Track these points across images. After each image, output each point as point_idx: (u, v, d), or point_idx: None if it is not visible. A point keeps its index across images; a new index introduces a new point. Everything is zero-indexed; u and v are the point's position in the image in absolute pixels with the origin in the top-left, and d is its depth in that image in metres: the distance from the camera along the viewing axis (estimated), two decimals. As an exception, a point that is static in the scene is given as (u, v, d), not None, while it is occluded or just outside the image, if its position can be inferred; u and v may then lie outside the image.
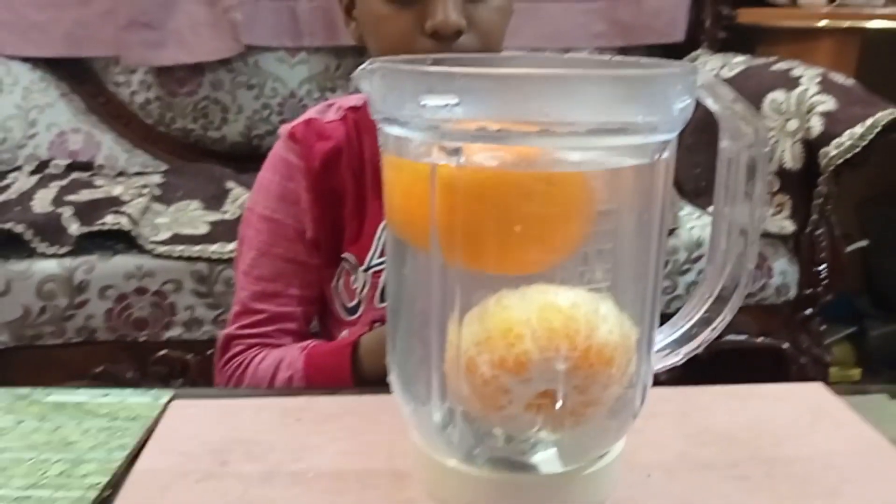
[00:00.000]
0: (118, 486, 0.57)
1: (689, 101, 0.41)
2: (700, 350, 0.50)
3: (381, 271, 0.85)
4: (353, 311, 0.88)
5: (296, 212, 0.86)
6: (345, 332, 0.90)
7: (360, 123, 0.87)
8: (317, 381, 0.82)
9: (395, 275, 0.48)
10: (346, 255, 0.88)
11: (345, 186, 0.86)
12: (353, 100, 0.89)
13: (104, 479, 0.57)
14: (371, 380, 0.79)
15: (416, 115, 0.39)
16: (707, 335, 0.49)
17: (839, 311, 1.89)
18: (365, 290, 0.87)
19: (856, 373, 1.96)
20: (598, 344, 0.41)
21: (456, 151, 0.39)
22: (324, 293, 0.92)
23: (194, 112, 2.00)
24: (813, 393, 0.71)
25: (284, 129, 0.88)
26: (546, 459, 0.47)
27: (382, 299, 0.86)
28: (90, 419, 0.65)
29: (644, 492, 0.56)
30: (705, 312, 0.50)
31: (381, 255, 0.85)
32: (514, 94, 0.38)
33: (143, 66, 1.96)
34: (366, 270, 0.86)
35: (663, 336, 0.49)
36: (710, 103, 0.45)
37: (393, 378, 0.49)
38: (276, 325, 0.86)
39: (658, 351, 0.49)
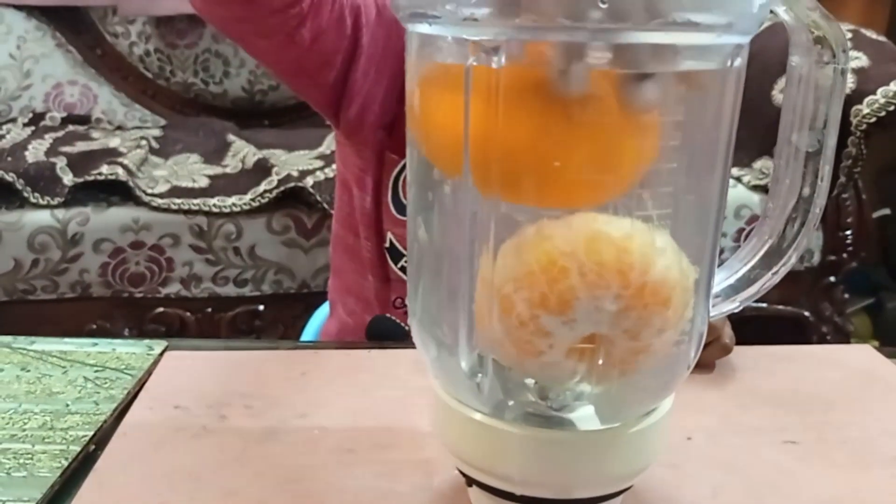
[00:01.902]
0: (104, 441, 0.52)
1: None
2: (759, 296, 0.44)
3: None
4: (385, 257, 0.82)
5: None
6: (390, 237, 0.82)
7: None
8: None
9: (418, 202, 0.42)
10: (391, 155, 0.80)
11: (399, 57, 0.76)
12: None
13: (89, 433, 0.52)
14: None
15: (450, 6, 0.33)
16: (768, 280, 0.44)
17: (856, 282, 1.84)
18: (398, 197, 0.80)
19: (873, 345, 1.91)
20: (654, 281, 0.36)
21: (495, 50, 0.33)
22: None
23: (195, 65, 1.93)
24: (862, 355, 0.66)
25: None
26: (585, 415, 0.41)
27: None
28: (76, 369, 0.60)
29: (685, 455, 0.51)
30: (765, 254, 0.44)
31: None
32: (570, -21, 0.31)
33: (141, 15, 1.89)
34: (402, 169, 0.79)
35: (718, 280, 0.43)
36: (782, 11, 0.39)
37: (414, 323, 0.43)
38: None
39: (712, 297, 0.43)
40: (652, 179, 0.36)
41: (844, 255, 1.43)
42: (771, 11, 0.38)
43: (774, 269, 0.44)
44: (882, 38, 1.39)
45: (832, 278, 1.45)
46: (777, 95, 1.38)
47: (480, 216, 0.37)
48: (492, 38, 0.33)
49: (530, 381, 0.41)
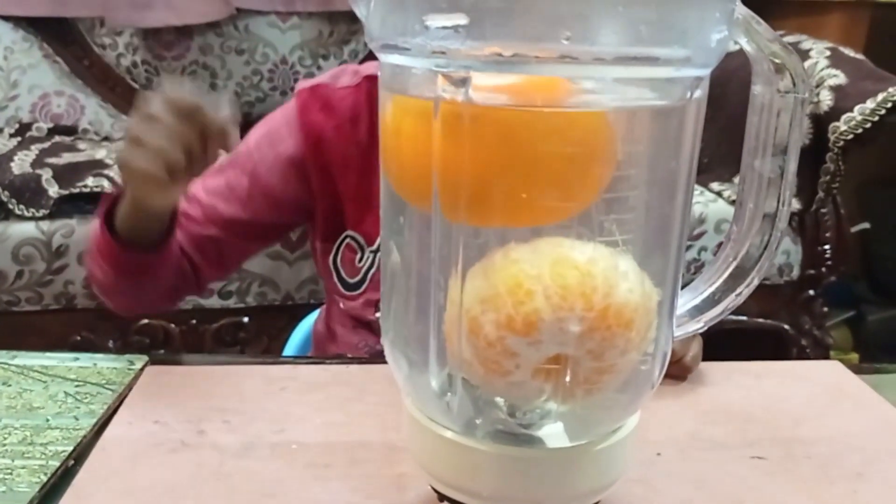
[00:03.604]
0: (84, 456, 0.52)
1: (727, 33, 0.37)
2: (723, 317, 0.45)
3: None
4: (353, 287, 0.84)
5: (269, 154, 0.81)
6: (341, 305, 0.86)
7: (376, 95, 0.81)
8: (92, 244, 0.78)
9: (389, 227, 0.43)
10: (351, 233, 0.83)
11: (346, 163, 0.80)
12: (374, 67, 0.83)
13: (69, 448, 0.53)
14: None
15: (419, 39, 0.34)
16: (731, 301, 0.45)
17: (837, 295, 1.86)
18: (372, 271, 0.83)
19: (853, 357, 1.93)
20: (616, 304, 0.37)
21: (463, 82, 0.34)
22: (318, 265, 0.89)
23: (182, 77, 1.94)
24: (830, 371, 0.67)
25: (298, 87, 0.82)
26: (553, 433, 0.43)
27: None
28: (57, 384, 0.61)
29: (654, 471, 0.53)
30: (730, 276, 0.45)
31: None
32: (532, 14, 0.33)
33: (129, 27, 1.90)
34: (376, 252, 0.82)
35: (683, 301, 0.45)
36: (744, 42, 0.41)
37: (386, 342, 0.44)
38: (191, 238, 0.81)
39: (677, 317, 0.44)
40: (615, 205, 0.37)
41: (823, 269, 1.45)
42: (735, 42, 0.40)
43: (738, 291, 0.45)
44: (860, 56, 1.41)
45: (811, 292, 1.47)
46: (756, 112, 1.40)
47: (449, 241, 0.38)
48: (459, 70, 0.34)
49: (500, 400, 0.43)
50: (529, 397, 0.40)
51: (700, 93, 0.37)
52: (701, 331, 0.46)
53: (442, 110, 0.35)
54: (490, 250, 0.38)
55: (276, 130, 0.82)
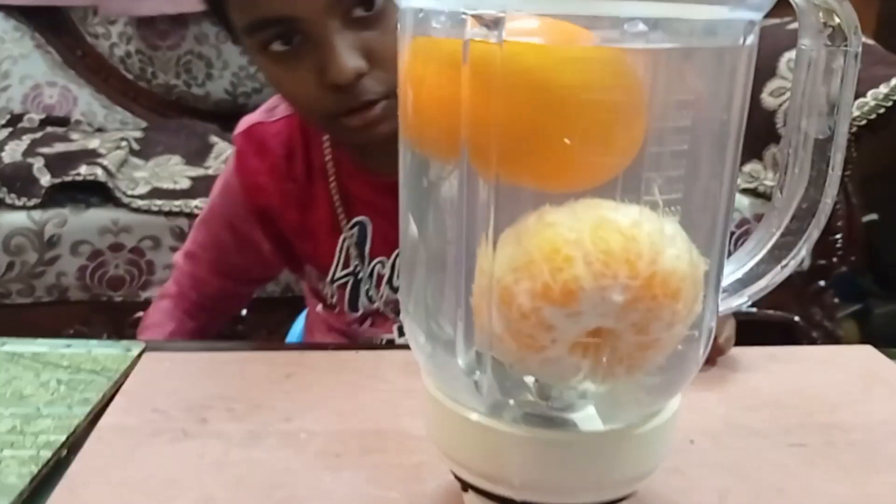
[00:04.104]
0: (78, 446, 0.49)
1: (783, -27, 0.34)
2: (768, 290, 0.42)
3: (345, 284, 0.80)
4: (331, 307, 0.83)
5: (233, 205, 0.82)
6: (318, 308, 0.85)
7: None
8: None
9: (410, 193, 0.40)
10: (307, 266, 0.83)
11: (284, 201, 0.79)
12: None
13: (62, 437, 0.49)
14: None
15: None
16: (777, 274, 0.42)
17: (843, 288, 1.83)
18: (335, 300, 0.81)
19: (862, 350, 1.90)
20: (663, 271, 0.33)
21: (496, 23, 0.31)
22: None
23: (177, 67, 1.90)
24: (863, 356, 0.64)
25: (235, 131, 0.81)
26: (588, 415, 0.39)
27: (353, 308, 0.80)
28: (49, 371, 0.57)
29: (688, 459, 0.49)
30: (773, 247, 0.42)
31: (345, 266, 0.79)
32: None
33: (122, 16, 1.86)
34: (332, 283, 0.80)
35: (725, 274, 0.41)
36: (792, -11, 0.38)
37: (406, 319, 0.41)
38: (195, 283, 0.86)
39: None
40: (662, 162, 0.33)
41: (834, 260, 1.42)
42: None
43: (784, 262, 0.42)
44: (870, 41, 1.38)
45: (822, 283, 1.44)
46: (767, 98, 1.37)
47: (479, 202, 0.35)
48: (492, 11, 0.31)
49: (530, 380, 0.39)
50: (565, 375, 0.37)
51: (752, 39, 0.34)
52: (745, 306, 0.43)
53: (471, 54, 0.32)
54: (524, 213, 0.34)
55: (228, 182, 0.82)
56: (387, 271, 0.78)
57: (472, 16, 0.32)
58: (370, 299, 0.79)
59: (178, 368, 0.59)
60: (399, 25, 0.37)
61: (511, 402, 0.38)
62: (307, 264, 0.82)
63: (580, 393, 0.38)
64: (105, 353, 0.60)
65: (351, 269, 0.78)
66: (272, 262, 0.85)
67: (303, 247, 0.81)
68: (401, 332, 0.79)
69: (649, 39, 0.31)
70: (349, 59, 0.61)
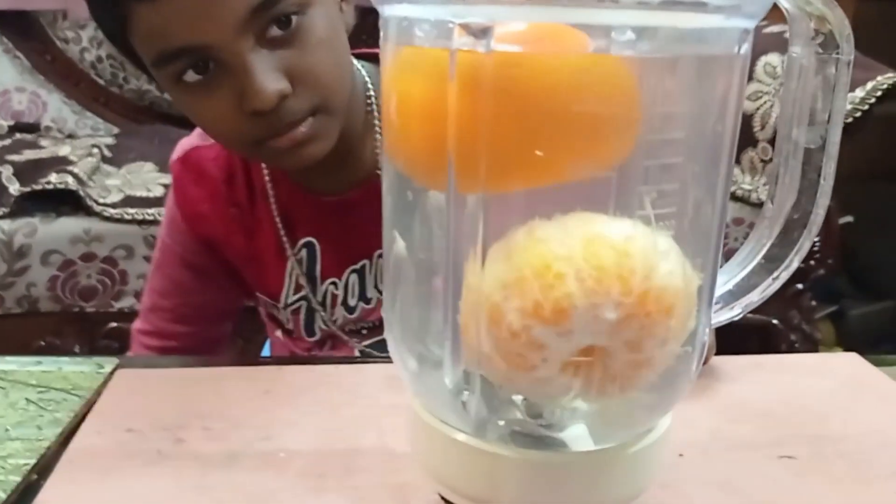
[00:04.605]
0: (48, 470, 0.47)
1: (777, -20, 0.33)
2: (759, 303, 0.41)
3: (299, 309, 0.78)
4: (289, 333, 0.81)
5: (183, 239, 0.78)
6: (278, 333, 0.83)
7: None
8: None
9: (393, 207, 0.38)
10: (258, 294, 0.80)
11: (227, 227, 0.76)
12: None
13: (31, 461, 0.47)
14: None
15: (433, -17, 0.30)
16: (769, 285, 0.41)
17: (819, 290, 1.84)
18: (291, 324, 0.79)
19: (837, 352, 1.91)
20: (657, 287, 0.32)
21: (484, 32, 0.30)
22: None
23: (153, 81, 1.87)
24: (849, 364, 0.64)
25: (172, 157, 0.78)
26: (576, 435, 0.38)
27: (310, 332, 0.78)
28: (18, 390, 0.55)
29: (677, 473, 0.48)
30: (765, 258, 0.41)
31: (297, 290, 0.76)
32: (568, -49, 0.28)
33: (93, 20, 1.83)
34: (285, 308, 0.78)
35: (716, 286, 0.41)
36: (783, -4, 0.37)
37: (391, 338, 0.39)
38: (164, 340, 0.80)
39: (710, 304, 0.40)
40: (655, 175, 0.32)
41: (812, 263, 1.42)
42: (772, -2, 0.36)
43: (775, 274, 0.41)
44: (846, 46, 1.39)
45: (800, 286, 1.45)
46: (745, 103, 1.37)
47: (466, 215, 0.33)
48: (480, 19, 0.30)
49: (518, 398, 0.38)
50: (555, 395, 0.35)
51: (747, 48, 0.33)
52: (737, 318, 0.42)
53: (459, 63, 0.31)
54: (513, 227, 0.33)
55: (172, 217, 0.79)
56: (340, 292, 0.76)
57: (460, 25, 0.30)
58: (325, 322, 0.77)
59: (153, 386, 0.57)
60: (382, 34, 0.36)
61: (500, 422, 0.37)
62: (257, 292, 0.79)
63: (571, 412, 0.37)
64: (76, 370, 0.58)
65: (303, 292, 0.76)
66: (233, 294, 0.82)
67: (251, 274, 0.78)
68: (363, 353, 0.78)
69: (640, 48, 0.30)
70: (269, 82, 0.57)
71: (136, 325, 0.81)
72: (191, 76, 0.58)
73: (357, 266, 0.75)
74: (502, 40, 0.30)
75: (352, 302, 0.76)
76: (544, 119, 0.31)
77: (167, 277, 0.80)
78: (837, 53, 0.38)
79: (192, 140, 0.77)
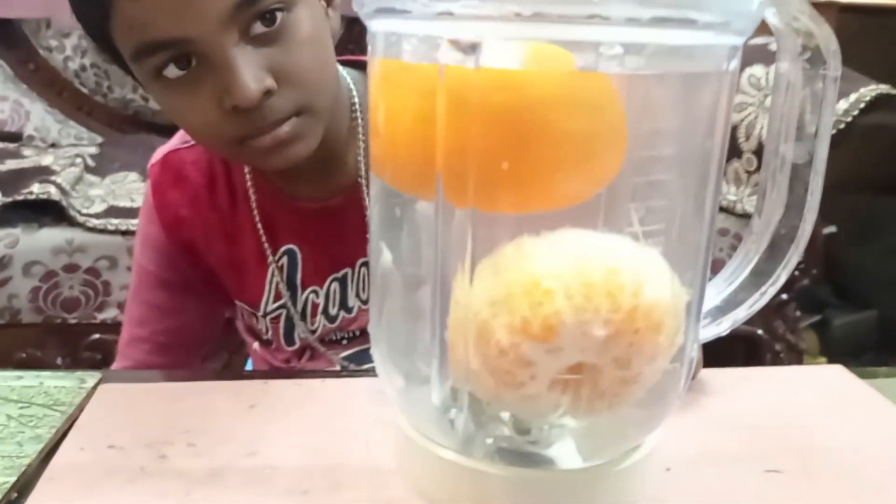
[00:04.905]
0: (28, 487, 0.46)
1: (765, -2, 0.33)
2: (747, 318, 0.41)
3: (279, 317, 0.76)
4: (267, 343, 0.80)
5: (157, 258, 0.76)
6: (255, 346, 0.82)
7: None
8: None
9: (382, 222, 0.38)
10: (238, 302, 0.78)
11: (208, 232, 0.74)
12: None
13: (11, 479, 0.46)
14: None
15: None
16: (756, 300, 0.41)
17: (803, 300, 1.85)
18: (270, 334, 0.78)
19: (821, 361, 1.92)
20: (645, 304, 0.32)
21: (473, 48, 0.30)
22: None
23: (134, 80, 1.86)
24: (835, 376, 0.64)
25: (150, 162, 0.76)
26: (564, 451, 0.38)
27: (289, 342, 0.77)
28: (-2, 405, 0.54)
29: (664, 488, 0.48)
30: (752, 273, 0.41)
31: (277, 298, 0.75)
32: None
33: (77, 28, 1.81)
34: (265, 316, 0.77)
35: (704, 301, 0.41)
36: (771, 15, 0.37)
37: (377, 354, 0.39)
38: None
39: (698, 319, 0.40)
40: (645, 191, 0.32)
41: (796, 273, 1.43)
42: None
43: (763, 289, 0.41)
44: (829, 58, 1.40)
45: (784, 296, 1.45)
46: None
47: (454, 231, 0.33)
48: (469, 35, 0.30)
49: (505, 415, 0.38)
50: (544, 412, 0.35)
51: (735, 64, 0.33)
52: (723, 334, 0.42)
53: (447, 79, 0.31)
54: (501, 242, 0.33)
55: (147, 233, 0.77)
56: (321, 300, 0.75)
57: (449, 40, 0.30)
58: (306, 331, 0.76)
59: (136, 401, 0.56)
60: (369, 48, 0.35)
61: (488, 440, 0.37)
62: (236, 300, 0.78)
63: (559, 428, 0.37)
64: (58, 385, 0.58)
65: (283, 300, 0.75)
66: (212, 308, 0.81)
67: (231, 280, 0.77)
68: (343, 367, 0.77)
69: (629, 65, 0.30)
70: (252, 79, 0.56)
71: (115, 365, 0.80)
72: (172, 71, 0.57)
73: (339, 274, 0.74)
74: (491, 56, 0.30)
75: (332, 311, 0.75)
76: (532, 136, 0.31)
77: (143, 303, 0.78)
78: (824, 69, 0.38)
79: (171, 144, 0.75)
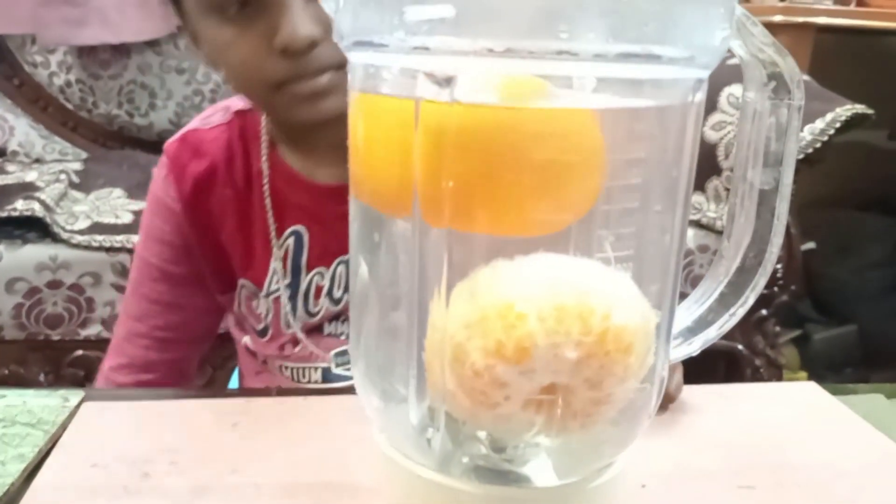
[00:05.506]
0: (11, 507, 0.46)
1: (729, 32, 0.34)
2: (717, 339, 0.43)
3: (280, 297, 0.77)
4: (262, 333, 0.80)
5: (161, 250, 0.78)
6: (246, 340, 0.82)
7: (249, 129, 0.77)
8: None
9: (360, 245, 0.39)
10: (242, 280, 0.79)
11: (223, 208, 0.76)
12: (244, 101, 0.77)
13: (-6, 498, 0.47)
14: None
15: (398, 34, 0.31)
16: (726, 321, 0.42)
17: (783, 315, 1.87)
18: (270, 317, 0.78)
19: (802, 376, 1.94)
20: (616, 327, 0.33)
21: (448, 81, 0.31)
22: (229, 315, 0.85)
23: (119, 96, 1.87)
24: (807, 393, 0.65)
25: (166, 144, 0.78)
26: (542, 469, 0.39)
27: (287, 325, 0.78)
28: (-20, 425, 0.55)
29: (640, 504, 0.49)
30: (721, 295, 0.43)
31: (282, 277, 0.77)
32: (527, 5, 0.30)
33: (62, 45, 1.82)
34: (266, 296, 0.77)
35: (674, 322, 0.42)
36: (737, 46, 0.38)
37: (356, 373, 0.40)
38: (137, 374, 0.79)
39: (669, 340, 0.41)
40: (614, 218, 0.34)
41: (775, 289, 1.45)
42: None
43: (732, 311, 0.42)
44: (806, 77, 1.43)
45: (764, 311, 1.47)
46: (708, 132, 1.40)
47: (431, 256, 0.34)
48: (444, 68, 0.31)
49: (482, 434, 0.39)
50: (518, 431, 0.36)
51: (700, 96, 0.35)
52: (694, 354, 0.43)
53: (424, 112, 0.32)
54: (476, 266, 0.34)
55: (150, 224, 0.78)
56: (326, 282, 0.76)
57: (424, 73, 0.31)
58: (309, 313, 0.77)
59: (119, 419, 0.57)
60: (349, 78, 0.37)
61: (464, 458, 0.37)
62: (242, 277, 0.79)
63: (534, 447, 0.38)
64: (41, 403, 0.58)
65: (287, 280, 0.76)
66: (212, 307, 0.82)
67: (239, 259, 0.78)
68: (337, 365, 0.77)
69: (598, 99, 0.31)
70: (304, 24, 0.61)
71: (106, 362, 0.80)
72: (232, 8, 0.62)
73: (346, 257, 0.75)
74: (465, 89, 0.31)
75: (337, 294, 0.76)
76: (505, 167, 0.32)
77: (144, 298, 0.79)
78: (789, 99, 0.40)
79: (188, 126, 0.77)
